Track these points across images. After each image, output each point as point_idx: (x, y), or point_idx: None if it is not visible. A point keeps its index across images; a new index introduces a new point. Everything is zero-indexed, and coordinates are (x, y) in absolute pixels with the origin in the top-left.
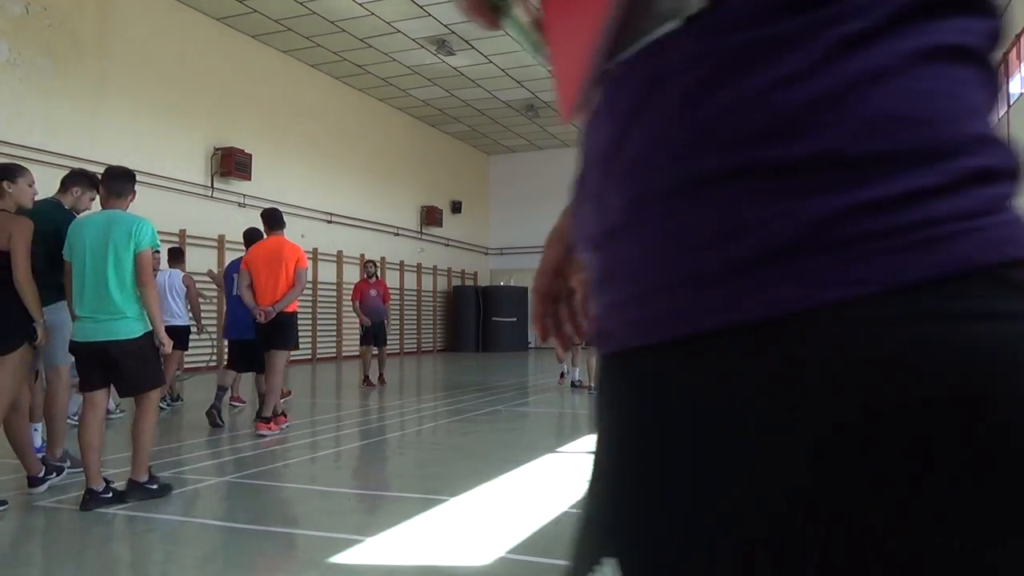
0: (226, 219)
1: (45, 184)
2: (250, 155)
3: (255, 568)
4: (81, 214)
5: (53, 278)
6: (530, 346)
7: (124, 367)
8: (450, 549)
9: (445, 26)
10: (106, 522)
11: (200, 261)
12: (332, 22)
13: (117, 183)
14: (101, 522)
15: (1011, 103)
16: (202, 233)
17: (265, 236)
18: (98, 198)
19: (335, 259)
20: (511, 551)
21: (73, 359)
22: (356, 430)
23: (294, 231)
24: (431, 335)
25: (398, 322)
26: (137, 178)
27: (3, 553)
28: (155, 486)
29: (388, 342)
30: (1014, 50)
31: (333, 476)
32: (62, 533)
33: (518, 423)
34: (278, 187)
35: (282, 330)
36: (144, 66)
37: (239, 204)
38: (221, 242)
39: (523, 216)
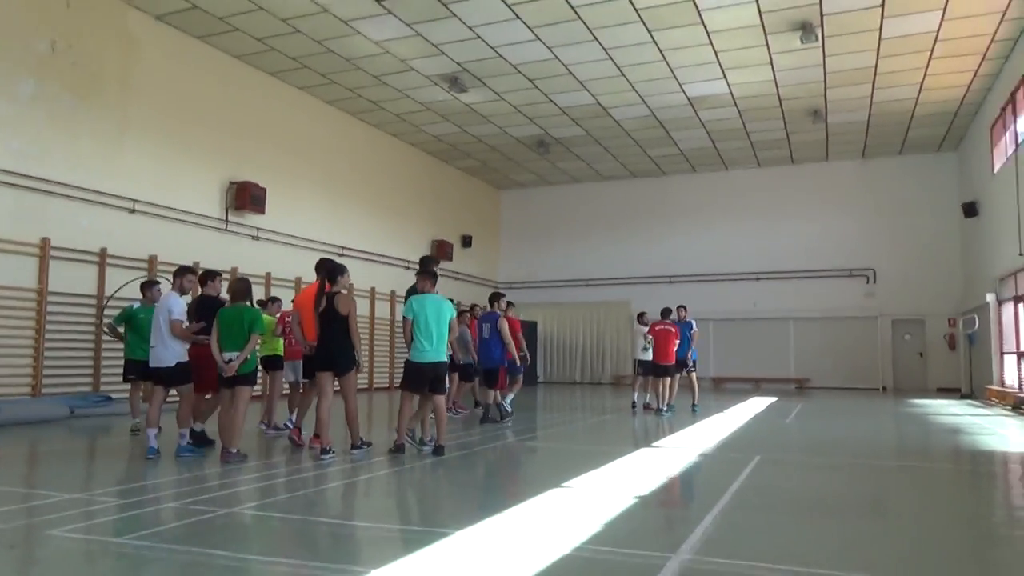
0: (240, 252)
1: (66, 216)
2: (264, 189)
3: None
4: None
5: None
6: (539, 380)
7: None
8: None
9: (458, 64)
10: (112, 553)
11: None
12: (347, 59)
13: (432, 277)
14: (108, 553)
15: (1019, 144)
16: (216, 265)
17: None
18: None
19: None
20: None
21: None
22: (364, 462)
23: (307, 265)
24: None
25: None
26: (167, 215)
27: None
28: (430, 447)
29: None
30: (1021, 90)
31: (338, 508)
32: (73, 562)
33: (526, 457)
34: (291, 221)
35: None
36: (164, 102)
37: (253, 237)
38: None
39: (533, 251)
